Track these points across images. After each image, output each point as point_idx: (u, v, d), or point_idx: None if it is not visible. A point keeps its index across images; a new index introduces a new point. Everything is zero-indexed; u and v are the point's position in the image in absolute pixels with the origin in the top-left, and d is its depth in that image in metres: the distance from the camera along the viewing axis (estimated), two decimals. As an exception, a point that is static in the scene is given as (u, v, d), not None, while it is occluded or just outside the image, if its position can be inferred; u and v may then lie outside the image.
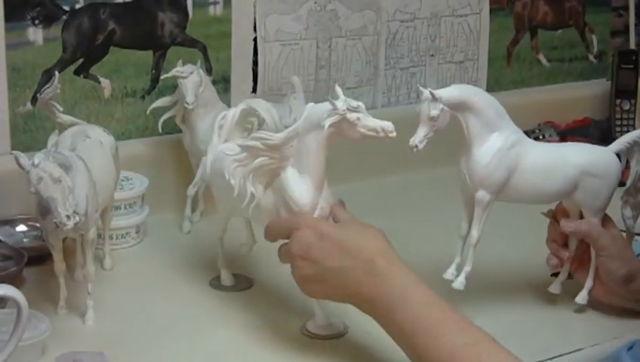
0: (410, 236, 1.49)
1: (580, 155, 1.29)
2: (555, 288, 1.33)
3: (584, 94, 1.99)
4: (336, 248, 1.14)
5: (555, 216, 1.32)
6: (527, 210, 1.34)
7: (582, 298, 1.31)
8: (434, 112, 1.20)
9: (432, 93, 1.20)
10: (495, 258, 1.44)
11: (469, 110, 1.24)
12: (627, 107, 1.92)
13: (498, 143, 1.25)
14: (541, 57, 1.98)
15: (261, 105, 1.29)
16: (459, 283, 1.25)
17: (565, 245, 1.33)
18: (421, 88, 1.23)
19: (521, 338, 1.23)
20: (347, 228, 1.17)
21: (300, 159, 1.18)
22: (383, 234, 1.16)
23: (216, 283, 1.37)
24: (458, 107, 1.23)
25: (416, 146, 1.21)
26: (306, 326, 1.24)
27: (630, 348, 0.97)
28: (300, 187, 1.18)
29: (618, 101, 1.93)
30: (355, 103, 1.15)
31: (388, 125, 1.14)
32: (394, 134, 1.14)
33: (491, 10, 1.88)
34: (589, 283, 1.31)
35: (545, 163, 1.27)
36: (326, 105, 1.16)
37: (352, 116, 1.14)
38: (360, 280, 1.12)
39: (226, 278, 1.36)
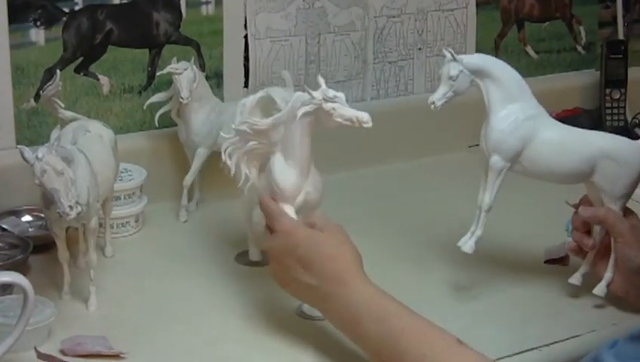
0: (409, 220, 1.55)
1: (602, 139, 1.28)
2: (575, 279, 1.32)
3: (574, 84, 1.98)
4: (302, 264, 1.16)
5: (579, 206, 1.31)
6: (553, 196, 1.35)
7: (600, 290, 1.29)
8: (453, 72, 1.25)
9: (451, 54, 1.27)
10: (512, 237, 1.46)
11: (489, 78, 1.27)
12: (617, 96, 1.93)
13: (515, 113, 1.27)
14: (529, 49, 1.97)
15: (278, 94, 1.31)
16: (468, 246, 1.28)
17: (589, 236, 1.31)
18: (444, 50, 1.28)
19: (531, 319, 1.26)
20: (320, 241, 1.17)
21: (286, 145, 1.22)
22: (351, 250, 1.17)
23: (243, 259, 1.42)
24: (478, 73, 1.27)
25: (434, 103, 1.26)
26: (301, 308, 1.27)
27: (612, 346, 0.93)
28: (284, 171, 1.22)
29: (608, 90, 1.93)
30: (331, 93, 1.19)
31: (363, 115, 1.18)
32: (369, 124, 1.18)
33: (478, 4, 1.88)
34: (608, 274, 1.29)
35: (563, 139, 1.27)
36: (306, 95, 1.21)
37: (327, 106, 1.19)
38: (322, 297, 1.15)
39: (254, 254, 1.39)
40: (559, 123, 1.31)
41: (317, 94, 1.20)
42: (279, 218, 1.21)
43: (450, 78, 1.27)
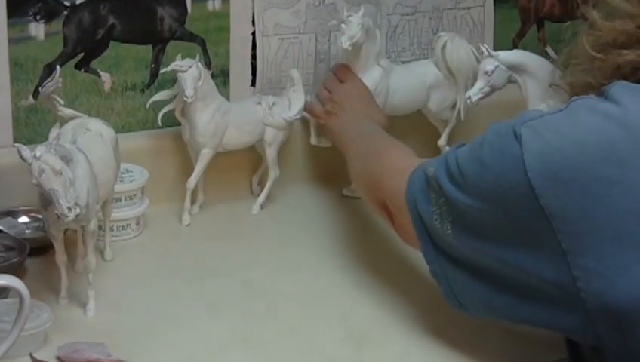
0: None
1: None
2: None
3: None
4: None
5: None
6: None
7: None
8: (488, 67, 1.31)
9: (487, 50, 1.31)
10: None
11: (526, 74, 1.32)
12: (639, 97, 1.97)
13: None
14: (549, 50, 1.95)
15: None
16: None
17: None
18: (481, 46, 1.33)
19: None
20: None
21: None
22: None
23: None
24: (516, 68, 1.31)
25: (470, 98, 1.32)
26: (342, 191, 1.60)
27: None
28: None
29: (629, 92, 1.97)
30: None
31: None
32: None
33: (495, 2, 1.88)
34: None
35: None
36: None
37: None
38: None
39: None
40: None
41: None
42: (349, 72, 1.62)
43: (486, 73, 1.33)
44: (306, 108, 1.62)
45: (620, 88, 1.04)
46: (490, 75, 1.32)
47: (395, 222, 1.28)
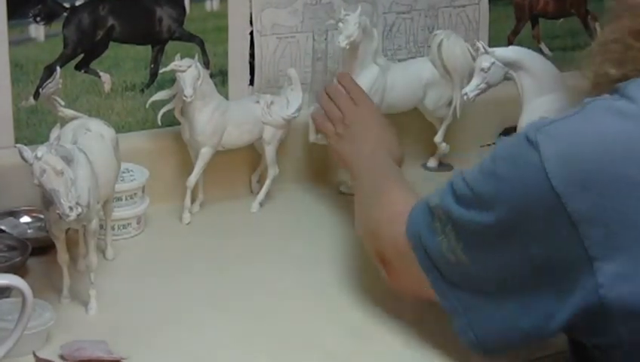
0: None
1: None
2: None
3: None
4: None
5: None
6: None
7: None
8: (484, 64, 1.31)
9: (483, 47, 1.31)
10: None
11: (523, 70, 1.31)
12: (633, 93, 1.97)
13: (548, 105, 1.31)
14: (543, 47, 1.97)
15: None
16: None
17: None
18: (477, 43, 1.33)
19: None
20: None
21: None
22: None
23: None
24: (512, 65, 1.31)
25: (467, 94, 1.32)
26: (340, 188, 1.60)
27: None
28: None
29: (624, 88, 1.97)
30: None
31: None
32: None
33: (490, 0, 1.88)
34: None
35: None
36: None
37: None
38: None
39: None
40: None
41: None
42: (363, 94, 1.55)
43: (482, 69, 1.32)
44: (316, 123, 1.59)
45: (635, 85, 1.02)
46: (486, 72, 1.32)
47: (390, 271, 1.23)
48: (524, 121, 1.32)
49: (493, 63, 1.31)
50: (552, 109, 1.29)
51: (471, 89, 1.33)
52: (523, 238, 1.04)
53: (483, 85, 1.32)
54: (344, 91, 1.56)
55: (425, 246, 1.13)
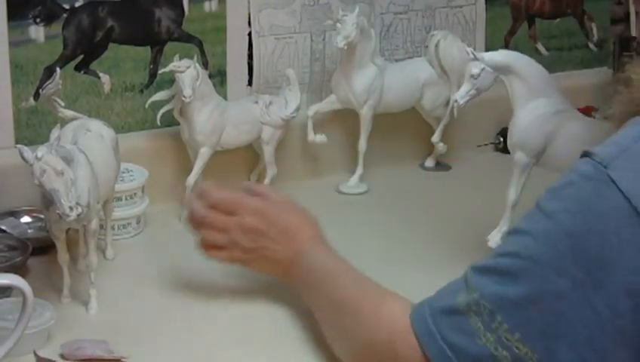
0: (420, 220, 1.57)
1: None
2: None
3: (585, 82, 1.98)
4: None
5: None
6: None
7: None
8: (474, 70, 1.30)
9: (472, 53, 1.31)
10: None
11: (513, 74, 1.30)
12: (630, 94, 1.97)
13: (539, 109, 1.30)
14: (539, 46, 1.98)
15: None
16: (493, 242, 1.35)
17: None
18: (465, 49, 1.32)
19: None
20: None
21: None
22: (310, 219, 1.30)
23: None
24: (502, 69, 1.30)
25: (457, 101, 1.31)
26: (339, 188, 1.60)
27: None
28: None
29: (620, 88, 1.97)
30: None
31: None
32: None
33: (487, 1, 1.89)
34: None
35: (589, 134, 1.27)
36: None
37: None
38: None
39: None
40: (586, 117, 1.33)
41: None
42: (243, 199, 1.30)
43: (472, 76, 1.30)
44: (206, 251, 1.31)
45: None
46: (476, 78, 1.31)
47: None
48: (515, 125, 1.31)
49: (482, 69, 1.30)
50: (545, 114, 1.29)
51: (461, 95, 1.31)
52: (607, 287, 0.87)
53: (473, 92, 1.30)
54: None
55: (464, 358, 0.93)
